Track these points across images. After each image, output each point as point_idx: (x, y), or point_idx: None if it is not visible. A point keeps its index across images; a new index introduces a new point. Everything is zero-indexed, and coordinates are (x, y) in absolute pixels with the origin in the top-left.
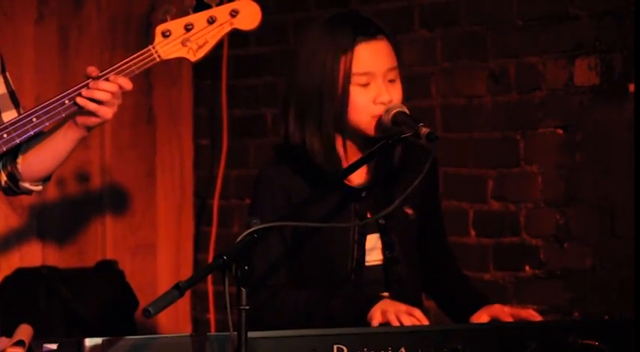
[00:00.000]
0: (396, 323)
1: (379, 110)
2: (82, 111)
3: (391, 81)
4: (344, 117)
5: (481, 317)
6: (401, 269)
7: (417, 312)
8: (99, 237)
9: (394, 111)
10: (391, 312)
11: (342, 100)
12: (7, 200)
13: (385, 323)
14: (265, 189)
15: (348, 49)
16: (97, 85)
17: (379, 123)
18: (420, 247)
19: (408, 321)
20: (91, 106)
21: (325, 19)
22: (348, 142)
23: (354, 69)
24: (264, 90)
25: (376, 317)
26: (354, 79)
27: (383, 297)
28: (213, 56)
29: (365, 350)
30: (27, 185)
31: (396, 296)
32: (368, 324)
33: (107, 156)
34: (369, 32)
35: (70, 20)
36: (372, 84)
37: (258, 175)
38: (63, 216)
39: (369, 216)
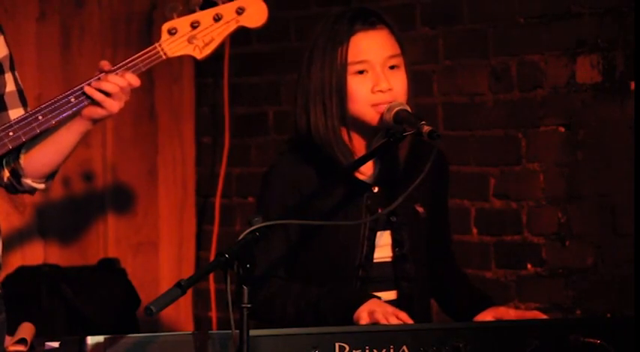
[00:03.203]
0: (384, 322)
1: (378, 99)
2: (88, 102)
3: (392, 68)
4: (345, 108)
5: (485, 318)
6: (410, 268)
7: (404, 315)
8: (101, 235)
9: (396, 109)
10: (379, 312)
11: (341, 90)
12: (10, 198)
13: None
14: (276, 181)
15: (345, 39)
16: (106, 77)
17: (381, 120)
18: (429, 247)
19: (395, 323)
20: (98, 96)
21: (328, 15)
22: (354, 135)
23: (350, 58)
24: (266, 88)
25: (363, 317)
26: (351, 68)
27: (371, 297)
28: (216, 54)
29: (367, 348)
30: (29, 181)
31: (405, 295)
32: (355, 324)
33: (109, 154)
34: (368, 22)
35: (71, 18)
36: (370, 72)
37: (270, 166)
38: (65, 214)
39: (380, 211)
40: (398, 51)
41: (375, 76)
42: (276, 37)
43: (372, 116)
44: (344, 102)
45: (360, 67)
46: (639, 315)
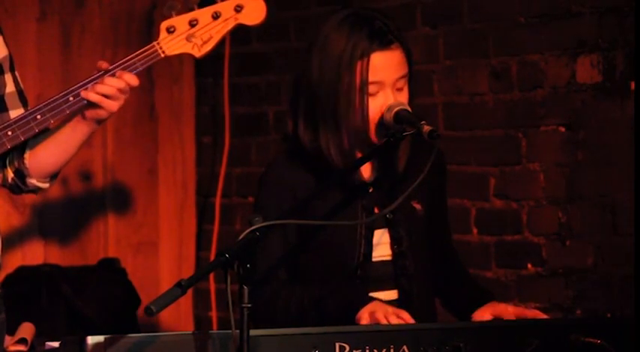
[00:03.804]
0: (384, 322)
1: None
2: (86, 104)
3: (399, 89)
4: (358, 123)
5: (484, 315)
6: (409, 264)
7: (405, 314)
8: (101, 234)
9: (396, 109)
10: (379, 312)
11: (360, 109)
12: (10, 198)
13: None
14: (272, 184)
15: (364, 56)
16: (102, 79)
17: (381, 121)
18: (430, 245)
19: (395, 323)
20: (95, 98)
21: (341, 19)
22: (355, 142)
23: (368, 77)
24: (266, 88)
25: (364, 318)
26: (366, 88)
27: (373, 299)
28: (216, 54)
29: (367, 348)
30: (34, 181)
31: (406, 293)
32: (357, 325)
33: (109, 154)
34: (385, 41)
35: (72, 18)
36: (381, 92)
37: (266, 168)
38: (65, 214)
39: (376, 211)
40: (406, 70)
41: (384, 96)
42: (276, 37)
43: (372, 132)
44: (360, 118)
45: (375, 89)
46: (639, 315)
